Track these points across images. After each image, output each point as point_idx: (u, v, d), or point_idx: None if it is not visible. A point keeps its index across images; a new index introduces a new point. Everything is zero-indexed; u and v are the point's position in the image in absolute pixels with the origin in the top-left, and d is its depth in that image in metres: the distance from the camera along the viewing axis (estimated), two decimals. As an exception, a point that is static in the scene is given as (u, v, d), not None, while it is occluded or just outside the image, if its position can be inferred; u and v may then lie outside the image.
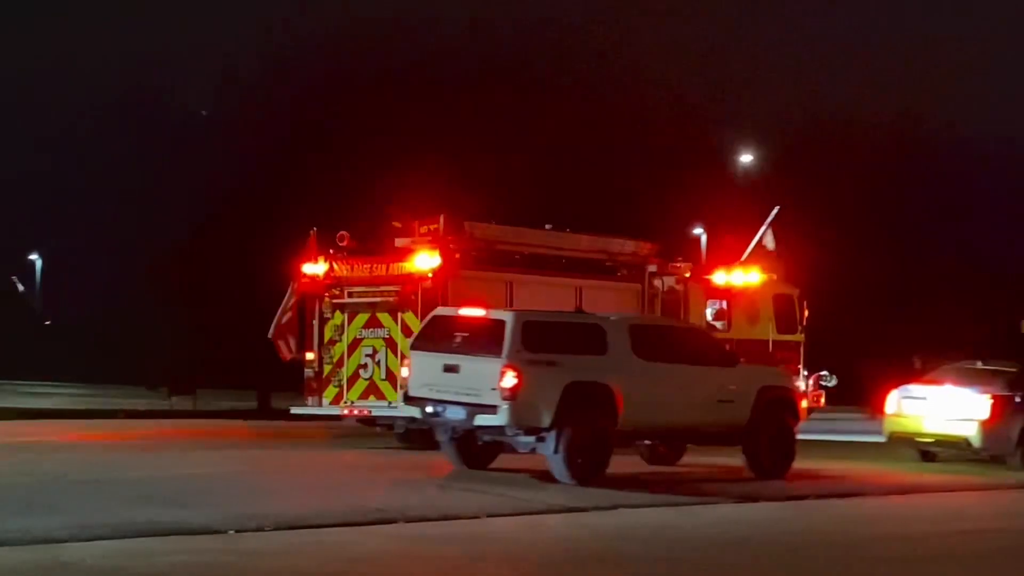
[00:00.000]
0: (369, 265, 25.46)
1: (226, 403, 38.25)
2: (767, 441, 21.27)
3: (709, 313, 29.13)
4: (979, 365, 27.79)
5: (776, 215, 32.89)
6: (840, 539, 15.71)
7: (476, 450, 20.42)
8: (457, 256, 24.89)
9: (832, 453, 26.47)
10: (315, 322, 25.63)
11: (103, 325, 58.04)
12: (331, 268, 25.56)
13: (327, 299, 25.46)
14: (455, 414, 19.53)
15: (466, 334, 19.80)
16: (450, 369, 19.65)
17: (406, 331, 24.11)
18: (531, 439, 19.33)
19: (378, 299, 25.13)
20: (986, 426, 24.59)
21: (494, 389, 18.87)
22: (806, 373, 30.25)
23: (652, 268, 28.00)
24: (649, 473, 21.57)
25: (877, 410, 28.28)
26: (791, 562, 13.96)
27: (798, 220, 35.35)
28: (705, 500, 18.48)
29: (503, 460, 20.59)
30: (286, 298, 26.04)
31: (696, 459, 22.58)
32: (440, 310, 20.69)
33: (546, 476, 19.36)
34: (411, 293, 24.61)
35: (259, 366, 36.17)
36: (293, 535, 13.95)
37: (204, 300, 53.48)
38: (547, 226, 27.52)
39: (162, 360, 46.05)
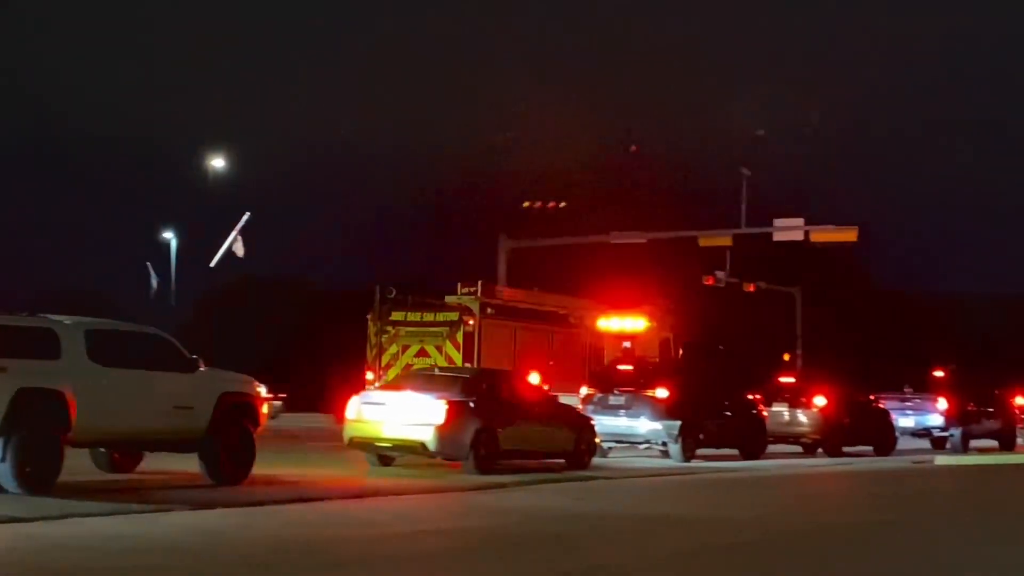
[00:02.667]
0: (421, 312, 36.19)
1: None
2: (226, 447, 21.20)
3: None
4: (436, 371, 28.74)
5: (245, 222, 33.03)
6: (297, 543, 15.72)
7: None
8: (487, 310, 36.16)
9: (291, 459, 26.63)
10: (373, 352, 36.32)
11: None
12: (390, 314, 36.05)
13: (386, 336, 36.16)
14: None
15: None
16: None
17: (449, 360, 35.14)
18: (-24, 448, 18.41)
19: (426, 337, 35.90)
20: (442, 430, 25.36)
21: None
22: None
23: (588, 318, 39.88)
24: (105, 481, 20.98)
25: (340, 417, 28.70)
26: (243, 566, 13.87)
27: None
28: (160, 508, 18.08)
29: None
30: (370, 336, 36.44)
31: (156, 466, 22.14)
32: None
33: (-7, 486, 18.49)
34: (455, 333, 35.40)
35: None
36: None
37: None
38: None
39: None
